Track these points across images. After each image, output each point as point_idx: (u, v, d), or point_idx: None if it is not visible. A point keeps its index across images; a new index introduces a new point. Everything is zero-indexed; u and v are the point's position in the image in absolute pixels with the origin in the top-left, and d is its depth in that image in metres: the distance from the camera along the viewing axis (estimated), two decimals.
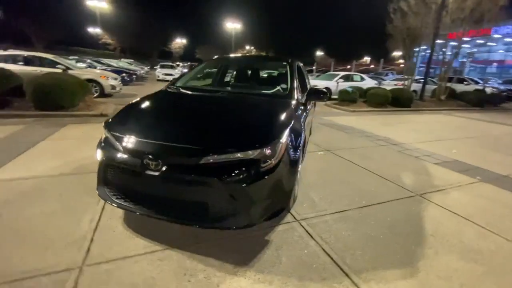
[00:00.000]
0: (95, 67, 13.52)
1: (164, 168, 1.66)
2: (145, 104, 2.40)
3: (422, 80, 12.48)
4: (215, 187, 1.65)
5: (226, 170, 1.67)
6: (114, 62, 19.60)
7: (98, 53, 41.46)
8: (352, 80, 13.20)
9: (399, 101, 10.28)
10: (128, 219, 2.10)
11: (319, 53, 61.77)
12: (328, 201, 2.61)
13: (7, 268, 1.56)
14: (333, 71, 21.44)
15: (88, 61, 15.94)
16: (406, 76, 12.92)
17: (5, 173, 2.84)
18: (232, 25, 34.14)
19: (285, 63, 3.31)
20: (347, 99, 10.18)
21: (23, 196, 2.38)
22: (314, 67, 36.72)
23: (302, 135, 2.27)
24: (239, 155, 1.71)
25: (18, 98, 6.04)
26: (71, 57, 16.29)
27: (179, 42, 52.78)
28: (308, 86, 3.88)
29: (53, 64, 8.50)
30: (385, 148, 4.72)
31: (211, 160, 1.67)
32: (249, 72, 3.58)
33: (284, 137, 1.92)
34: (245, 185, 1.67)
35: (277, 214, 1.97)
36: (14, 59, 8.35)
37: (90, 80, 8.63)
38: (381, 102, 9.91)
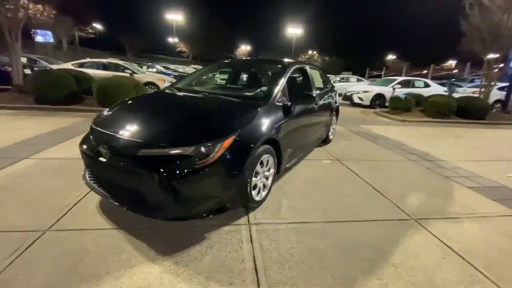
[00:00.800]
0: (161, 72, 15.52)
1: (109, 156, 1.90)
2: (130, 102, 2.73)
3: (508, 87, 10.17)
4: (148, 178, 1.80)
5: (159, 163, 1.80)
6: (181, 68, 22.03)
7: (174, 60, 47.21)
8: (413, 86, 11.70)
9: (467, 111, 8.63)
10: (103, 199, 2.44)
11: (390, 57, 56.39)
12: (296, 210, 2.46)
13: (2, 222, 2.03)
14: (405, 76, 19.26)
15: (157, 66, 18.32)
16: (486, 83, 10.73)
17: (46, 153, 3.60)
18: (293, 31, 34.23)
19: (279, 66, 3.26)
20: (399, 107, 9.10)
21: (46, 171, 3.00)
22: (382, 72, 33.68)
23: (260, 138, 2.22)
24: (172, 150, 1.82)
25: (90, 96, 7.46)
26: (144, 63, 19.05)
27: (243, 48, 55.71)
28: (316, 91, 3.72)
29: (123, 69, 10.16)
30: (412, 163, 4.09)
31: (147, 153, 1.83)
32: (243, 75, 3.66)
33: (228, 138, 1.94)
34: (174, 178, 1.76)
35: (215, 212, 2.00)
36: (97, 65, 10.30)
37: (149, 83, 9.98)
38: (442, 112, 8.51)
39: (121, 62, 10.59)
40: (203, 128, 2.00)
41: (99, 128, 2.13)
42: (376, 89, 11.44)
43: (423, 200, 2.83)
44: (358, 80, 17.50)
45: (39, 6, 27.49)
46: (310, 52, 57.99)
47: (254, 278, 1.63)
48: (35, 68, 10.20)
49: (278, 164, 2.72)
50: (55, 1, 28.39)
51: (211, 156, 1.85)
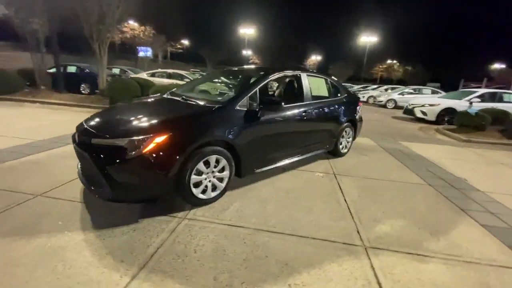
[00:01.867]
0: None
1: (77, 142, 2.37)
2: (122, 103, 3.25)
3: None
4: (93, 162, 2.17)
5: (101, 150, 2.16)
6: None
7: None
8: (500, 101, 9.44)
9: None
10: None
11: (497, 66, 46.17)
12: (240, 215, 2.45)
13: (18, 185, 2.76)
14: None
15: None
16: None
17: None
18: (367, 38, 31.88)
19: (259, 73, 3.32)
20: (468, 124, 7.50)
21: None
22: (482, 84, 28.07)
23: (200, 139, 2.35)
24: (112, 141, 2.15)
25: None
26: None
27: (314, 59, 55.07)
28: (311, 100, 3.59)
29: (183, 78, 11.65)
30: (430, 189, 3.40)
31: (96, 142, 2.22)
32: (230, 82, 3.77)
33: (159, 135, 2.16)
34: (109, 164, 2.09)
35: (147, 201, 2.23)
36: (164, 75, 12.13)
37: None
38: None
39: (183, 72, 12.18)
40: (142, 125, 2.28)
41: (82, 122, 2.67)
42: (445, 102, 9.70)
43: (400, 230, 2.39)
44: (433, 93, 15.10)
45: (142, 28, 34.03)
46: (389, 61, 52.89)
47: (143, 262, 1.78)
48: (122, 76, 12.74)
49: (238, 168, 2.78)
50: (153, 23, 34.70)
51: (141, 148, 2.10)
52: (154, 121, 2.33)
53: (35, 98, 8.65)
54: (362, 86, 26.69)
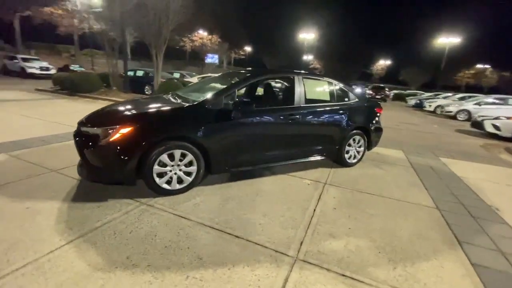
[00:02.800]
0: None
1: (75, 131, 2.88)
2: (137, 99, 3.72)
3: None
4: (77, 146, 2.62)
5: (84, 137, 2.59)
6: None
7: None
8: None
9: None
10: None
11: None
12: (196, 209, 2.56)
13: (45, 162, 3.48)
14: None
15: None
16: None
17: None
18: (446, 40, 27.34)
19: (247, 75, 3.35)
20: None
21: None
22: None
23: (162, 133, 2.57)
24: (91, 130, 2.55)
25: None
26: None
27: (382, 63, 50.50)
28: (304, 104, 3.46)
29: None
30: (435, 212, 2.85)
31: (83, 130, 2.66)
32: (222, 83, 3.80)
33: (124, 127, 2.46)
34: (86, 148, 2.50)
35: (113, 183, 2.55)
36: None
37: None
38: None
39: None
40: (115, 117, 2.62)
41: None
42: (498, 112, 7.78)
43: (353, 250, 2.11)
44: None
45: (210, 36, 37.27)
46: (478, 66, 44.57)
47: (84, 233, 2.06)
48: (179, 80, 14.27)
49: (208, 165, 2.89)
50: (220, 32, 37.59)
51: (109, 137, 2.44)
52: (125, 115, 2.66)
53: (106, 96, 10.47)
54: (433, 93, 23.34)
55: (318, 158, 3.82)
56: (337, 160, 4.05)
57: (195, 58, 42.02)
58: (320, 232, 2.32)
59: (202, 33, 36.85)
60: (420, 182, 3.78)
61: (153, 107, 2.93)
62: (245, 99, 2.90)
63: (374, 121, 4.26)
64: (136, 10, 9.86)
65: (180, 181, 2.80)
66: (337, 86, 3.98)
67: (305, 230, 2.34)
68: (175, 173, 2.75)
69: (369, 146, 4.34)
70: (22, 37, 22.33)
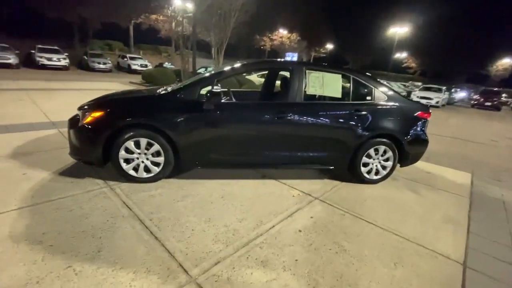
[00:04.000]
0: None
1: None
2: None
3: None
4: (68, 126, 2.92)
5: (73, 119, 2.86)
6: (396, 84, 20.38)
7: (396, 76, 43.71)
8: None
9: None
10: None
11: None
12: (147, 200, 2.49)
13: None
14: None
15: None
16: None
17: None
18: None
19: (237, 65, 3.02)
20: None
21: None
22: None
23: (125, 119, 2.58)
24: (78, 112, 2.80)
25: None
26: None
27: (506, 62, 39.01)
28: (301, 100, 2.93)
29: None
30: (455, 269, 1.90)
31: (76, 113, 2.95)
32: None
33: (95, 111, 2.60)
34: (70, 129, 2.76)
35: (86, 163, 2.72)
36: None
37: None
38: None
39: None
40: (95, 103, 2.77)
41: None
42: None
43: (270, 278, 1.59)
44: None
45: (289, 35, 37.11)
46: None
47: (35, 202, 2.26)
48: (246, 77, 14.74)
49: (178, 158, 2.77)
50: (300, 30, 36.95)
51: (83, 119, 2.62)
52: (102, 100, 2.79)
53: None
54: None
55: (319, 167, 3.16)
56: (353, 173, 3.27)
57: (274, 57, 42.75)
58: (252, 256, 1.87)
59: (282, 32, 37.07)
60: (465, 221, 2.65)
61: (134, 95, 3.00)
62: (214, 90, 2.62)
63: (412, 129, 3.23)
64: (206, 10, 10.63)
65: (148, 170, 2.78)
66: (356, 81, 3.17)
67: (237, 249, 1.93)
68: (142, 162, 2.75)
69: (403, 160, 3.33)
70: (134, 39, 27.68)
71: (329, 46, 45.67)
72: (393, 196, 3.06)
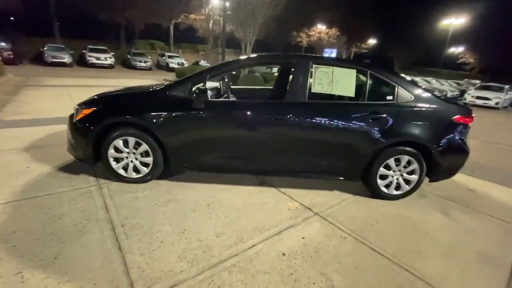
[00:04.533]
0: None
1: None
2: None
3: None
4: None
5: (71, 115, 2.87)
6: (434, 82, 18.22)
7: (449, 73, 39.14)
8: None
9: None
10: None
11: None
12: (128, 202, 2.36)
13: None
14: None
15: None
16: None
17: None
18: None
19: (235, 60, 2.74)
20: None
21: None
22: None
23: (112, 117, 2.49)
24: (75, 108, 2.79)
25: None
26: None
27: None
28: (301, 99, 2.54)
29: None
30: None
31: None
32: None
33: (87, 108, 2.55)
34: (68, 124, 2.75)
35: (79, 160, 2.69)
36: None
37: None
38: None
39: None
40: (89, 99, 2.72)
41: None
42: None
43: None
44: None
45: (328, 30, 35.45)
46: None
47: (23, 198, 2.27)
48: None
49: (166, 158, 2.61)
50: (339, 24, 35.08)
51: (77, 116, 2.59)
52: (95, 97, 2.73)
53: None
54: None
55: (327, 177, 2.74)
56: (368, 186, 2.79)
57: (311, 52, 41.33)
58: (215, 282, 1.59)
59: (320, 27, 35.60)
60: (510, 263, 2.03)
61: (124, 92, 2.90)
62: (201, 87, 2.37)
63: (447, 136, 2.62)
64: (236, 7, 10.54)
65: (137, 170, 2.67)
66: (375, 77, 2.66)
67: (202, 271, 1.67)
68: (131, 161, 2.64)
69: (433, 173, 2.74)
70: (174, 39, 28.98)
71: (372, 41, 42.64)
72: (415, 218, 2.52)
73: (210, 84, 3.29)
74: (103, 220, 2.08)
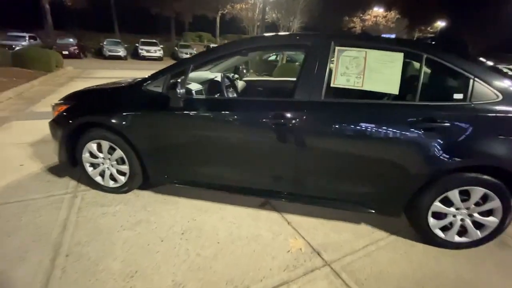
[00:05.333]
0: None
1: None
2: None
3: None
4: None
5: None
6: None
7: None
8: None
9: None
10: None
11: None
12: (98, 217, 1.97)
13: None
14: None
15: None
16: None
17: None
18: None
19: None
20: None
21: None
22: None
23: (82, 116, 2.12)
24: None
25: None
26: None
27: None
28: (326, 97, 1.77)
29: None
30: None
31: None
32: None
33: (62, 105, 2.24)
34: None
35: (59, 161, 2.40)
36: None
37: None
38: None
39: None
40: (67, 95, 2.38)
41: None
42: None
43: None
44: None
45: (386, 13, 31.51)
46: None
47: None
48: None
49: (143, 168, 2.14)
50: (400, 6, 30.87)
51: (53, 113, 2.29)
52: (72, 93, 2.38)
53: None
54: None
55: (349, 209, 1.94)
56: (414, 225, 1.93)
57: None
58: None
59: (377, 10, 31.89)
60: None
61: (100, 87, 2.50)
62: (172, 81, 1.79)
63: None
64: None
65: (114, 179, 2.27)
66: (436, 64, 1.72)
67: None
68: (107, 168, 2.25)
69: None
70: (220, 30, 29.13)
71: (440, 25, 36.57)
72: (487, 282, 1.60)
73: (201, 76, 2.73)
74: (51, 244, 1.71)
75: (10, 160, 2.84)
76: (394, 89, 1.73)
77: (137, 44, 20.82)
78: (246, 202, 2.25)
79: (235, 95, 2.77)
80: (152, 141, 2.03)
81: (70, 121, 2.13)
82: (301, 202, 2.00)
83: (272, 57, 12.63)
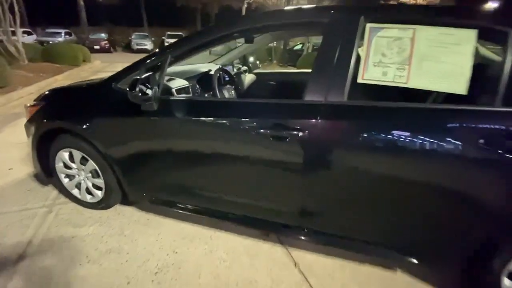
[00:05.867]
0: None
1: None
2: None
3: None
4: None
5: None
6: None
7: None
8: None
9: None
10: None
11: None
12: (68, 239, 1.64)
13: None
14: None
15: None
16: None
17: None
18: None
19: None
20: None
21: None
22: None
23: (48, 119, 1.80)
24: None
25: None
26: None
27: None
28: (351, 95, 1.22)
29: None
30: None
31: None
32: None
33: (34, 106, 1.93)
34: None
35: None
36: None
37: None
38: None
39: None
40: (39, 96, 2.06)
41: None
42: None
43: None
44: None
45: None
46: None
47: None
48: None
49: (119, 183, 1.77)
50: None
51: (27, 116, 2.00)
52: (48, 91, 2.04)
53: (263, 68, 10.94)
54: None
55: (374, 253, 1.39)
56: (473, 285, 1.33)
57: None
58: None
59: None
60: None
61: (72, 86, 2.14)
62: (136, 77, 1.35)
63: None
64: None
65: (91, 194, 1.93)
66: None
67: None
68: (83, 180, 1.91)
69: None
70: None
71: (493, 5, 32.09)
72: None
73: (193, 69, 2.26)
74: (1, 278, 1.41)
75: (2, 162, 2.66)
76: (461, 87, 1.11)
77: (163, 37, 21.09)
78: (245, 230, 1.78)
79: (233, 93, 2.28)
80: (125, 152, 1.63)
81: (38, 126, 1.82)
82: (314, 241, 1.49)
83: (298, 46, 11.84)
